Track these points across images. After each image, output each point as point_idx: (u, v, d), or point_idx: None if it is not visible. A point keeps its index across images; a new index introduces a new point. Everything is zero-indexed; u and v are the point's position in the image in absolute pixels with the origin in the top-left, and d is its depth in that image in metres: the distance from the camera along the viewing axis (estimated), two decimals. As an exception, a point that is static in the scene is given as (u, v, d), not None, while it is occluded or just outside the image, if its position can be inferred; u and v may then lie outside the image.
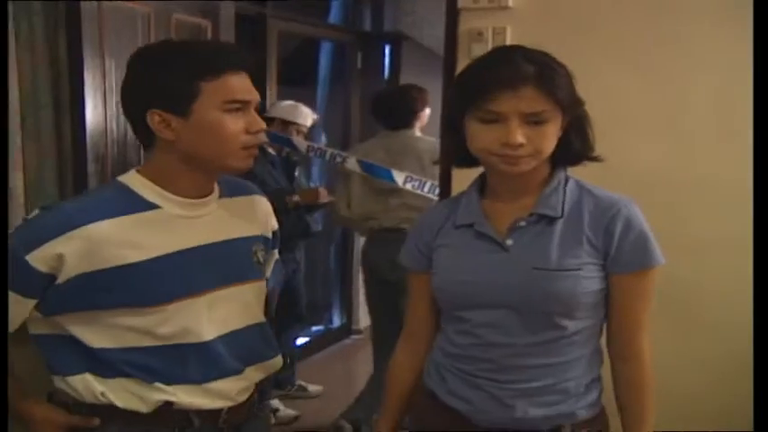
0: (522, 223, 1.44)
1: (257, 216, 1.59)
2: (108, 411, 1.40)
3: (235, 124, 1.37)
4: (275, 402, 3.91)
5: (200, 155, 1.38)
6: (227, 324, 1.46)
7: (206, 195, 1.46)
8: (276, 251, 1.70)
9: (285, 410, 3.92)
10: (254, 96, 1.41)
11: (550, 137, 1.39)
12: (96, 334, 1.37)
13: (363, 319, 5.23)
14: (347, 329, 5.27)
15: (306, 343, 4.80)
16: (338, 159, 3.44)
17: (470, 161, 1.50)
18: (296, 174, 3.93)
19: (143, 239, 1.36)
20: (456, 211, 1.53)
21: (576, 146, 1.47)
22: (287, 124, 3.82)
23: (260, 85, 4.25)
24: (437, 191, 2.97)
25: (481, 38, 2.82)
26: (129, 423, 1.40)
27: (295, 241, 3.89)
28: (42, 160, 2.51)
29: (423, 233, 1.56)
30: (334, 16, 4.97)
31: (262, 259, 1.55)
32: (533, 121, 1.36)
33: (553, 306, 1.40)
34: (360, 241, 5.15)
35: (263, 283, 1.57)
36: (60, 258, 1.30)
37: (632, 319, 1.46)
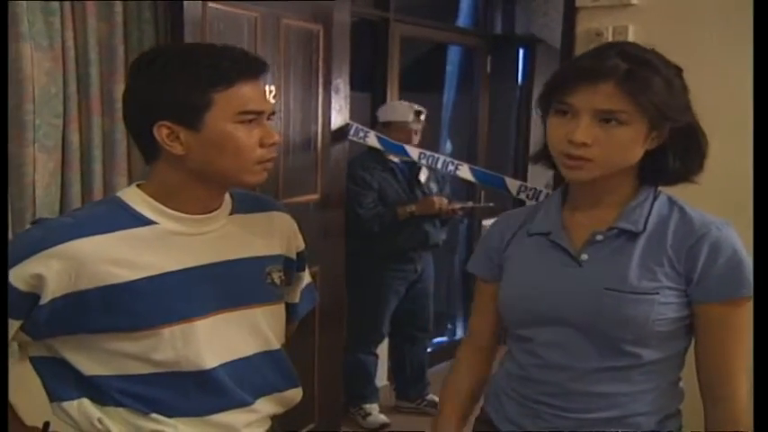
0: (600, 237, 1.31)
1: (275, 234, 1.46)
2: None
3: (249, 137, 1.27)
4: (369, 407, 3.84)
5: (211, 170, 1.28)
6: (232, 351, 1.35)
7: (212, 211, 1.35)
8: (305, 273, 1.58)
9: (377, 416, 3.83)
10: (268, 106, 1.30)
11: (625, 144, 1.24)
12: (89, 360, 1.28)
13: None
14: (470, 342, 5.11)
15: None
16: (450, 167, 3.32)
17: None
18: (421, 179, 3.80)
19: (135, 258, 1.26)
20: (533, 218, 1.41)
21: (672, 164, 1.31)
22: (387, 126, 3.68)
23: (380, 91, 4.19)
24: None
25: (600, 38, 2.65)
26: None
27: (413, 253, 3.78)
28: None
29: (493, 239, 1.47)
30: (463, 19, 4.83)
31: (278, 281, 1.43)
32: (607, 120, 1.22)
33: (622, 332, 1.27)
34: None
35: (278, 307, 1.45)
36: (40, 278, 1.21)
37: (723, 357, 1.30)
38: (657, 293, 1.26)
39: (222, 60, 1.25)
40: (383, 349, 4.07)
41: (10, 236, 2.04)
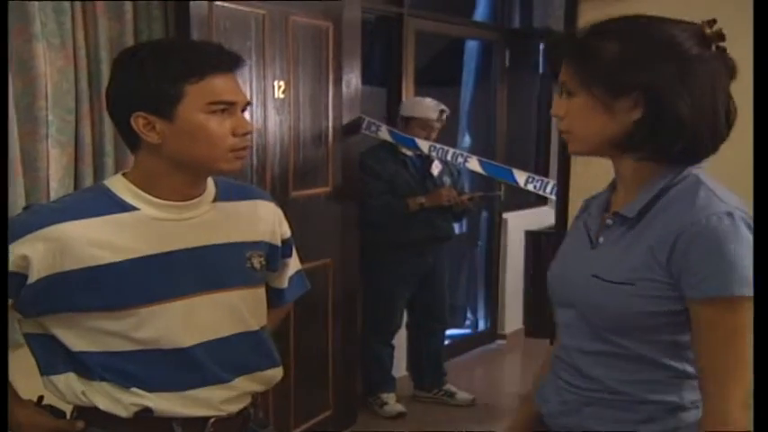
0: (609, 221, 1.31)
1: (259, 222, 1.52)
2: (91, 414, 1.38)
3: (220, 126, 1.33)
4: (385, 396, 3.90)
5: (186, 158, 1.35)
6: (211, 331, 1.41)
7: (193, 198, 1.42)
8: (290, 260, 1.64)
9: (393, 405, 3.89)
10: (240, 97, 1.37)
11: (578, 113, 1.25)
12: (75, 337, 1.36)
13: (509, 323, 5.08)
14: (492, 334, 5.13)
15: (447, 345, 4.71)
16: (460, 159, 3.36)
17: None
18: (434, 173, 3.84)
19: (116, 241, 1.34)
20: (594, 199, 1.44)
21: (659, 140, 1.21)
22: (408, 121, 3.75)
23: (396, 87, 4.24)
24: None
25: (602, 30, 2.66)
26: (110, 427, 1.38)
27: (424, 245, 3.83)
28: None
29: None
30: (480, 13, 4.86)
31: (258, 266, 1.49)
32: (567, 91, 1.26)
33: (600, 320, 1.27)
34: (509, 244, 4.99)
35: (258, 291, 1.51)
36: (26, 259, 1.30)
37: (710, 355, 1.18)
38: (633, 285, 1.21)
39: (195, 54, 1.34)
40: (402, 339, 4.13)
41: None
